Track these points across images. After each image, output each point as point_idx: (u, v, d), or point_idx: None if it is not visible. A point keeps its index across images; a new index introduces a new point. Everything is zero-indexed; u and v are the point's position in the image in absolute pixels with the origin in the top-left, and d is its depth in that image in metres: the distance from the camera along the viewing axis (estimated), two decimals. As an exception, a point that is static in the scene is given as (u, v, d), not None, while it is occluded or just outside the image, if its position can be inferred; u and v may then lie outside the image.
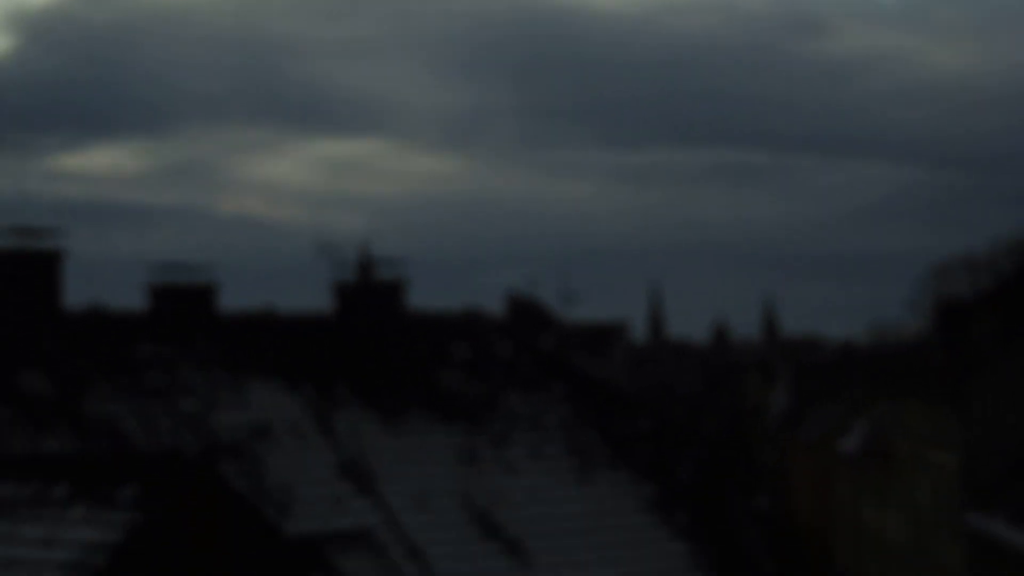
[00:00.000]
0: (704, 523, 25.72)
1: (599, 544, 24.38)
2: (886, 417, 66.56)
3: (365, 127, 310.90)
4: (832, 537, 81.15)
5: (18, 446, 21.24)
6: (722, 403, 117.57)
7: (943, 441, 51.09)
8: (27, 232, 24.09)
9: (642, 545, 24.71)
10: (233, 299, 29.11)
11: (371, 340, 27.46)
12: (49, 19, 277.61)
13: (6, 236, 24.01)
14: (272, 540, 18.49)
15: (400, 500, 23.72)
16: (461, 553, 23.20)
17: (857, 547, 73.11)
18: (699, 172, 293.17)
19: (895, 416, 62.31)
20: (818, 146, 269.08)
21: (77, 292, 26.38)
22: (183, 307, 25.96)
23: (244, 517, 18.23)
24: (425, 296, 37.38)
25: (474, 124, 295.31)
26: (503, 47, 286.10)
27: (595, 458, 26.55)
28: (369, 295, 28.00)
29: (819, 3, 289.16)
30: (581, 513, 25.01)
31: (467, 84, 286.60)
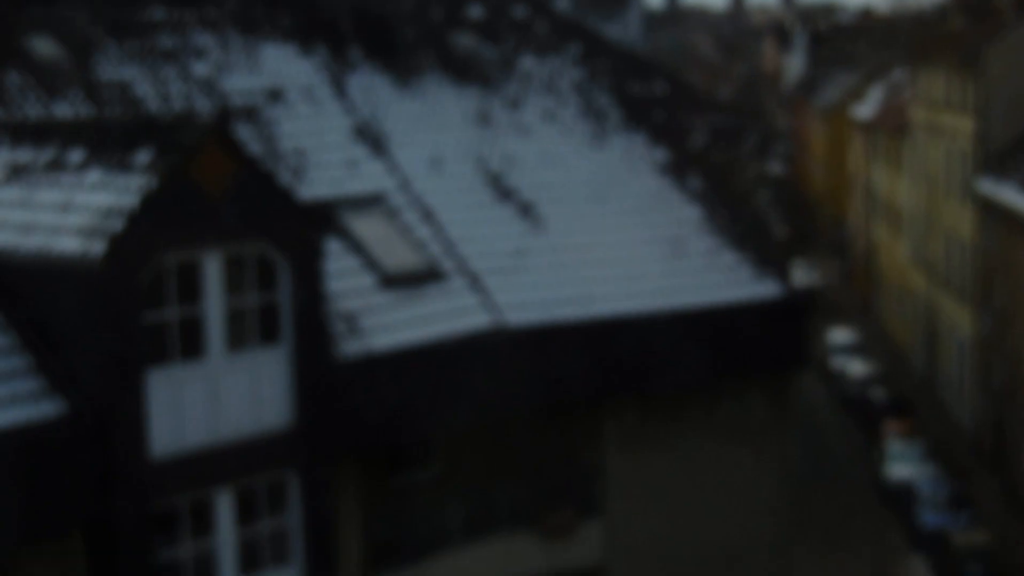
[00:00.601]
0: (718, 187, 25.77)
1: (612, 207, 24.48)
2: (902, 83, 66.19)
3: None
4: (844, 202, 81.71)
5: (32, 112, 21.19)
6: (737, 68, 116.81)
7: (958, 107, 50.91)
8: None
9: (655, 209, 24.80)
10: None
11: (384, 2, 27.09)
12: None
13: None
14: (286, 204, 18.60)
15: (414, 163, 23.76)
16: (474, 216, 23.33)
17: (868, 211, 73.66)
18: None
19: (911, 82, 61.93)
20: None
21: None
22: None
23: (258, 181, 18.29)
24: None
25: None
26: None
27: (609, 121, 26.47)
28: (381, -43, 27.50)
29: None
30: (594, 176, 25.05)
31: None
